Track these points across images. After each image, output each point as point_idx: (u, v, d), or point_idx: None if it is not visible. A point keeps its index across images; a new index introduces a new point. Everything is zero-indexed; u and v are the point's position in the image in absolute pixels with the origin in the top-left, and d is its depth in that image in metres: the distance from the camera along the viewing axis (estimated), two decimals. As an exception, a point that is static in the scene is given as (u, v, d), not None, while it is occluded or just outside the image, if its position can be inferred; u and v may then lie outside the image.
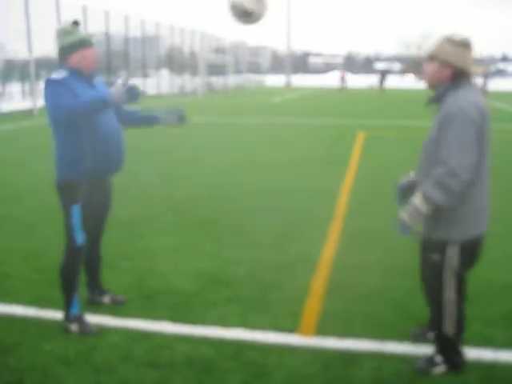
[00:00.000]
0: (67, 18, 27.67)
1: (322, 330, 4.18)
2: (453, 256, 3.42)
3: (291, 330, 4.18)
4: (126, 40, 37.60)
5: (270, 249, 6.04)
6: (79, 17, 29.98)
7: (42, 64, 29.27)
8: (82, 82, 4.01)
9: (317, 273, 5.33)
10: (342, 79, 53.96)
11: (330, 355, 3.83)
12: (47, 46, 26.99)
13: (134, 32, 38.58)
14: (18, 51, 25.34)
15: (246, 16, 4.13)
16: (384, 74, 52.78)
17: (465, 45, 3.36)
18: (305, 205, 7.93)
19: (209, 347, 3.92)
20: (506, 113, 24.85)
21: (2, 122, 20.30)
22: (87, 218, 4.10)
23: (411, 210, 3.37)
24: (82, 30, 4.04)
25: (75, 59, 3.99)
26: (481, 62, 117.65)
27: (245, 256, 5.78)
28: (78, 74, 4.00)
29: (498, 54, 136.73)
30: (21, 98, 27.24)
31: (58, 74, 3.93)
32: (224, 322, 4.28)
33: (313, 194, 8.64)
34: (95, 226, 4.34)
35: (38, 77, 25.46)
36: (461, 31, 3.45)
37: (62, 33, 4.00)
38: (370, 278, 5.22)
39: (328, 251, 5.95)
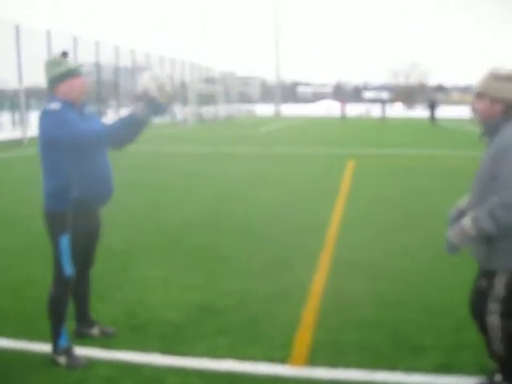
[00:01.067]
0: (58, 48, 27.84)
1: (313, 361, 4.15)
2: (499, 284, 3.42)
3: (282, 360, 4.14)
4: (116, 70, 37.81)
5: (261, 279, 6.01)
6: (70, 47, 30.16)
7: (32, 94, 29.38)
8: (75, 115, 4.02)
9: (308, 303, 5.31)
10: (343, 108, 54.03)
11: (321, 386, 3.80)
12: (37, 76, 27.15)
13: (124, 62, 38.84)
14: (9, 81, 25.42)
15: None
16: (384, 102, 52.98)
17: (511, 78, 3.39)
18: (295, 235, 7.92)
19: (199, 379, 3.88)
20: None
21: (-8, 151, 20.25)
22: (75, 248, 4.07)
23: (459, 231, 3.42)
24: (70, 60, 4.06)
25: (64, 89, 4.00)
26: (468, 89, 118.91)
27: (235, 286, 5.75)
28: (70, 105, 4.01)
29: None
30: (11, 128, 27.29)
31: (55, 106, 3.94)
32: (214, 354, 4.24)
33: (303, 223, 8.63)
34: (84, 256, 4.31)
35: (28, 106, 25.55)
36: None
37: (51, 64, 4.03)
38: (361, 307, 5.19)
39: (319, 281, 5.92)
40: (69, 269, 4.05)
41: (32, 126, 26.54)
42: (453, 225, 3.75)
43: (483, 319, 3.54)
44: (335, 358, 4.18)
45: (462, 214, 3.74)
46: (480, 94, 3.45)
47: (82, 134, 3.91)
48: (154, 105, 3.95)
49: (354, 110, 63.76)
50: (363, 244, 7.32)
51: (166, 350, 4.28)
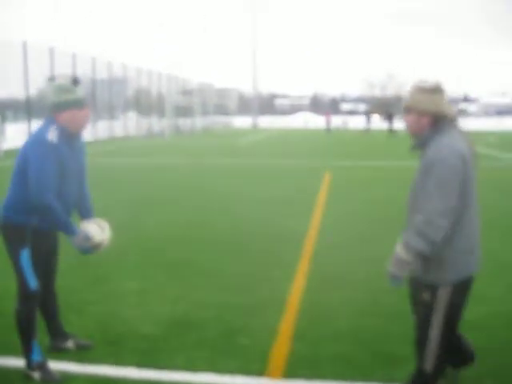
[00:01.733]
0: (33, 60, 27.70)
1: (290, 373, 4.14)
2: (443, 297, 3.43)
3: (260, 373, 4.14)
4: (93, 82, 37.66)
5: (238, 291, 5.99)
6: (46, 59, 30.03)
7: (8, 105, 29.14)
8: (67, 145, 3.99)
9: (284, 315, 5.31)
10: (328, 121, 53.43)
11: (298, 398, 3.79)
12: (13, 88, 26.95)
13: (101, 74, 38.70)
14: (-17, 93, 25.19)
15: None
16: (368, 114, 53.09)
17: (436, 90, 3.42)
18: (272, 247, 7.92)
19: (176, 393, 3.85)
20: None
21: (-34, 164, 20.03)
22: (37, 262, 4.02)
23: (396, 260, 3.38)
24: (79, 90, 4.00)
25: (66, 117, 3.96)
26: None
27: (212, 299, 5.73)
28: (65, 132, 3.97)
29: (459, 94, 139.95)
30: (-14, 140, 26.99)
31: (52, 133, 3.90)
32: (192, 367, 4.22)
33: (280, 236, 8.64)
34: (47, 269, 4.25)
35: (3, 118, 25.30)
36: (428, 76, 3.54)
37: (59, 89, 3.95)
38: (338, 319, 5.20)
39: (295, 293, 5.93)
40: (33, 282, 4.00)
41: (8, 139, 26.34)
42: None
43: (425, 332, 3.52)
44: (312, 369, 4.19)
45: None
46: (407, 108, 3.49)
47: (37, 190, 3.84)
48: (81, 246, 4.02)
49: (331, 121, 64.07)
50: (339, 255, 7.34)
51: (142, 364, 4.25)
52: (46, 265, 4.21)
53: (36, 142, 3.91)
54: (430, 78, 3.52)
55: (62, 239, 4.23)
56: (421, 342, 3.56)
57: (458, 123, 3.51)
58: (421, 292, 3.51)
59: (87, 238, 3.99)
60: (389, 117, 47.43)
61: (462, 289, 3.48)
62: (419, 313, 3.59)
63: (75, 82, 4.00)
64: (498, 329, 5.02)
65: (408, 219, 3.54)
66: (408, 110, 3.48)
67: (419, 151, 3.54)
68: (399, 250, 3.36)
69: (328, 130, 51.77)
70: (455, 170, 3.26)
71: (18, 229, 3.97)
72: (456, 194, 3.26)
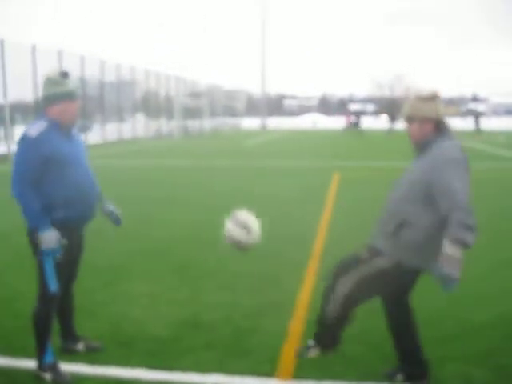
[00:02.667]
0: (43, 62, 27.82)
1: (300, 374, 4.15)
2: (375, 265, 3.74)
3: (269, 374, 4.14)
4: (102, 84, 37.77)
5: (247, 292, 6.00)
6: (54, 61, 30.13)
7: (17, 109, 29.26)
8: (60, 135, 4.02)
9: (294, 316, 5.31)
10: (348, 122, 52.51)
11: (308, 399, 3.80)
12: (22, 91, 27.07)
13: (110, 76, 38.78)
14: (-7, 96, 25.28)
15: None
16: (393, 115, 52.18)
17: (435, 98, 3.68)
18: (281, 248, 7.93)
19: (186, 394, 3.86)
20: (478, 151, 25.27)
21: (-24, 167, 20.14)
22: (59, 265, 4.05)
23: (452, 261, 3.35)
24: (69, 82, 4.02)
25: (56, 110, 4.00)
26: (451, 102, 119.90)
27: (221, 300, 5.74)
28: (57, 126, 4.01)
29: (468, 94, 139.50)
30: (-4, 143, 27.13)
31: (36, 128, 3.94)
32: (201, 368, 4.23)
33: (289, 236, 8.65)
34: (68, 273, 4.29)
35: (12, 121, 25.43)
36: (424, 85, 3.79)
37: (49, 82, 4.00)
38: (348, 319, 5.19)
39: (305, 294, 5.93)
40: (53, 285, 4.03)
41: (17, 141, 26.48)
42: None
43: (337, 279, 3.82)
44: (322, 371, 4.19)
45: None
46: (409, 118, 3.73)
47: (13, 180, 3.92)
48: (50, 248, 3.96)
49: (339, 122, 63.89)
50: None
51: (152, 365, 4.26)
52: (68, 265, 4.23)
53: (19, 140, 3.98)
54: (424, 87, 3.79)
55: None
56: (330, 294, 3.90)
57: (450, 128, 3.75)
58: (363, 251, 3.87)
59: (53, 238, 3.95)
60: (392, 117, 47.35)
61: (401, 274, 3.72)
62: (345, 263, 3.94)
63: (64, 74, 4.03)
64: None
65: (390, 215, 3.74)
66: (410, 119, 3.72)
67: (417, 152, 3.79)
68: (451, 250, 3.34)
69: (346, 131, 51.05)
70: (465, 167, 3.52)
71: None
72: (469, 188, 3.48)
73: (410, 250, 3.63)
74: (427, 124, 3.67)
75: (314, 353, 4.03)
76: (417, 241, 3.60)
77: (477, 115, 46.80)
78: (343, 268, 3.89)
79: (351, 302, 3.81)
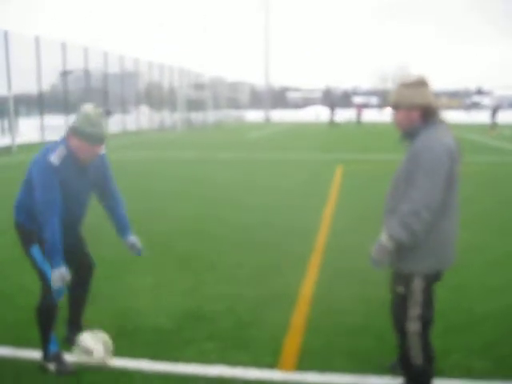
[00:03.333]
0: (46, 55, 27.82)
1: (302, 366, 4.17)
2: (416, 289, 3.49)
3: (272, 365, 4.16)
4: (105, 76, 37.76)
5: (250, 284, 6.02)
6: (58, 53, 30.13)
7: (21, 101, 29.30)
8: (75, 166, 4.02)
9: (297, 308, 5.33)
10: (359, 114, 52.16)
11: (310, 391, 3.82)
12: (26, 83, 27.09)
13: (113, 68, 38.77)
14: (-3, 88, 25.32)
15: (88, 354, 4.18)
16: (360, 107, 52.48)
17: (421, 84, 3.48)
18: (283, 240, 7.94)
19: (189, 385, 3.89)
20: (481, 144, 25.22)
21: (-20, 158, 20.18)
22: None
23: (378, 246, 3.47)
24: (103, 126, 3.98)
25: (77, 145, 3.96)
26: (456, 95, 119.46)
27: (224, 292, 5.76)
28: (74, 157, 4.00)
29: (472, 87, 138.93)
30: (-1, 135, 27.20)
31: (58, 155, 3.93)
32: (204, 359, 4.25)
33: (292, 229, 8.66)
34: (75, 265, 4.31)
35: (16, 113, 25.46)
36: (415, 71, 3.60)
37: (85, 118, 3.94)
38: (351, 312, 5.22)
39: (308, 286, 5.95)
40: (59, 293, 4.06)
41: (21, 133, 26.51)
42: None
43: (403, 326, 3.57)
44: (325, 362, 4.20)
45: None
46: (396, 106, 3.54)
47: (45, 206, 3.88)
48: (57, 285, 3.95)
49: (343, 115, 63.73)
50: (352, 249, 7.35)
51: (155, 356, 4.29)
52: (71, 258, 4.21)
53: (40, 162, 3.94)
54: (412, 72, 3.59)
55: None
56: (403, 338, 3.61)
57: (443, 117, 3.55)
58: (396, 284, 3.61)
59: (63, 277, 3.92)
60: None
61: (434, 280, 3.56)
62: (396, 306, 3.67)
63: (108, 112, 4.01)
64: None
65: (386, 213, 3.60)
66: (396, 107, 3.53)
67: (407, 143, 3.59)
68: (383, 238, 3.43)
69: (358, 123, 50.91)
70: (441, 162, 3.30)
71: (28, 231, 4.08)
72: (441, 187, 3.30)
73: (421, 258, 3.46)
74: (414, 111, 3.45)
75: None
76: (423, 247, 3.44)
77: (495, 108, 45.97)
78: (398, 314, 3.64)
79: (426, 335, 3.58)
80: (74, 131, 3.96)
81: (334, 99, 50.93)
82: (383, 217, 3.68)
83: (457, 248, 3.60)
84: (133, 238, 4.46)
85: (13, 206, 4.17)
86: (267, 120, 65.72)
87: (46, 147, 4.02)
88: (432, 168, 3.28)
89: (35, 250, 4.04)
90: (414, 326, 3.52)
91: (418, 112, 3.46)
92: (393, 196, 3.55)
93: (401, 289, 3.55)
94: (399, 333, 3.66)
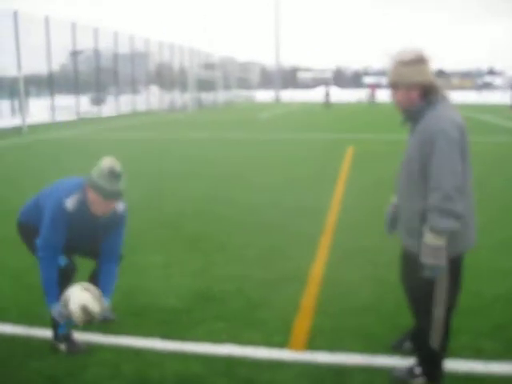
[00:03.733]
0: (56, 35, 27.76)
1: (312, 345, 4.18)
2: (444, 273, 3.36)
3: (281, 345, 4.18)
4: (115, 56, 37.68)
5: (259, 265, 6.03)
6: (68, 33, 30.06)
7: (32, 81, 29.31)
8: (88, 216, 4.03)
9: (306, 288, 5.33)
10: (372, 94, 51.58)
11: (320, 370, 3.84)
12: (36, 63, 27.08)
13: (123, 48, 38.69)
14: (7, 68, 25.35)
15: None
16: (373, 86, 51.74)
17: (419, 60, 3.30)
18: (293, 221, 7.94)
19: (199, 364, 3.91)
20: (493, 125, 25.04)
21: (-9, 139, 20.26)
22: (70, 243, 4.10)
23: (430, 250, 3.21)
24: (120, 182, 3.96)
25: (92, 197, 3.95)
26: (468, 75, 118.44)
27: (233, 272, 5.78)
28: (88, 207, 4.01)
29: (484, 67, 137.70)
30: (10, 115, 27.27)
31: (74, 201, 3.96)
32: (214, 339, 4.27)
33: (302, 210, 8.65)
34: (82, 249, 4.33)
35: (27, 94, 25.49)
36: (414, 45, 3.40)
37: (102, 174, 3.90)
38: (360, 293, 5.22)
39: (317, 267, 5.95)
40: (61, 260, 4.08)
41: (31, 114, 26.55)
42: (389, 225, 3.76)
43: (429, 309, 3.45)
44: (334, 343, 4.21)
45: (395, 208, 3.69)
46: (394, 85, 3.35)
47: (40, 241, 4.00)
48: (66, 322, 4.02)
49: (353, 95, 63.39)
50: (362, 229, 7.34)
51: (165, 335, 4.31)
52: (78, 244, 4.25)
53: (56, 202, 3.97)
54: (409, 47, 3.36)
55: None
56: (425, 321, 3.51)
57: (446, 94, 3.39)
58: (421, 270, 3.35)
59: (64, 312, 3.96)
60: None
61: (460, 263, 3.46)
62: (420, 291, 3.50)
63: (113, 175, 3.91)
64: None
65: (402, 199, 3.48)
66: (395, 86, 3.36)
67: (410, 124, 3.45)
68: (429, 238, 3.20)
69: (371, 104, 50.32)
70: (456, 142, 3.18)
71: (32, 226, 4.15)
72: (460, 166, 3.18)
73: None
74: (413, 90, 3.28)
75: (420, 381, 3.62)
76: None
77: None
78: (422, 295, 3.50)
79: (446, 324, 3.50)
80: (89, 183, 3.95)
81: (327, 80, 50.96)
82: (396, 199, 3.60)
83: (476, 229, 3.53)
84: (107, 305, 4.24)
85: (19, 211, 4.34)
86: (277, 100, 65.47)
87: (68, 187, 4.04)
88: (450, 150, 3.15)
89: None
90: (439, 312, 3.42)
91: (417, 91, 3.30)
92: (406, 183, 3.41)
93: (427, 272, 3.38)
94: (422, 315, 3.54)
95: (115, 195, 3.97)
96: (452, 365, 3.83)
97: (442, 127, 3.18)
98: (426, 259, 3.23)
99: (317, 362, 3.95)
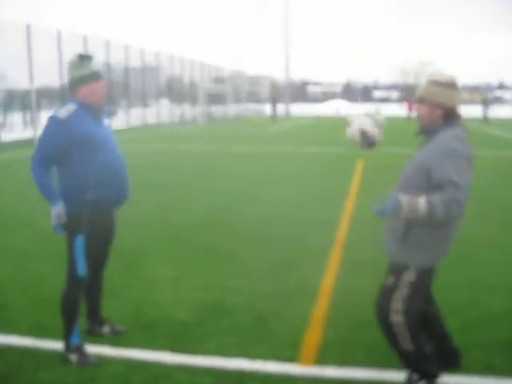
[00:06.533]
0: (68, 48, 27.98)
1: (322, 359, 4.17)
2: (407, 282, 3.55)
3: (291, 359, 4.16)
4: (126, 70, 37.89)
5: (269, 278, 6.03)
6: (80, 47, 30.29)
7: (43, 93, 29.50)
8: (90, 118, 4.06)
9: (316, 302, 5.32)
10: (409, 109, 50.20)
11: (330, 385, 3.82)
12: (48, 76, 27.27)
13: (134, 62, 38.89)
14: (19, 81, 25.53)
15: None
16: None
17: (451, 85, 3.51)
18: (304, 234, 7.93)
19: (208, 377, 3.91)
20: (504, 140, 24.96)
21: (3, 151, 20.40)
22: (90, 249, 4.11)
23: (412, 203, 3.34)
24: (93, 63, 4.08)
25: (84, 92, 4.04)
26: (478, 89, 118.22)
27: (244, 285, 5.77)
28: (86, 108, 4.05)
29: (494, 81, 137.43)
30: (22, 128, 27.42)
31: (66, 111, 3.99)
32: (223, 352, 4.27)
33: (312, 223, 8.64)
34: (98, 257, 4.35)
35: (38, 106, 25.64)
36: (446, 70, 3.64)
37: (73, 65, 4.05)
38: (370, 306, 5.16)
39: (327, 280, 5.94)
40: (82, 269, 4.09)
41: (43, 126, 26.72)
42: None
43: (387, 318, 3.62)
44: (344, 357, 4.20)
45: None
46: (421, 99, 3.58)
47: (32, 156, 4.08)
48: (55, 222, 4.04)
49: (363, 109, 63.32)
50: (372, 242, 7.31)
51: (175, 348, 4.31)
52: (99, 250, 4.30)
53: (48, 119, 4.05)
54: (445, 71, 3.63)
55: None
56: (387, 328, 3.66)
57: (463, 122, 3.59)
58: (386, 277, 3.65)
59: (60, 216, 4.02)
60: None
61: (428, 273, 3.61)
62: (380, 297, 3.71)
63: (88, 56, 4.07)
64: None
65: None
66: (422, 101, 3.58)
67: (423, 139, 3.66)
68: (421, 201, 3.31)
69: (408, 119, 49.42)
70: (466, 159, 3.38)
71: (73, 216, 4.05)
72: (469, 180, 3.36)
73: (423, 251, 3.52)
74: (437, 110, 3.51)
75: None
76: (428, 240, 3.50)
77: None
78: (382, 306, 3.68)
79: (413, 325, 3.61)
80: (75, 82, 4.04)
81: (275, 94, 52.15)
82: (391, 224, 3.71)
83: (456, 236, 3.68)
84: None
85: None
86: (287, 114, 65.54)
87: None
88: (461, 164, 3.33)
89: (79, 241, 4.05)
90: (397, 318, 3.58)
91: (440, 111, 3.51)
92: (404, 190, 3.53)
93: (391, 280, 3.61)
94: (382, 324, 3.70)
95: (101, 72, 4.12)
96: (464, 380, 3.81)
97: (454, 147, 3.38)
98: (402, 202, 3.35)
99: (326, 376, 3.93)
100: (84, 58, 4.05)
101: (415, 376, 3.69)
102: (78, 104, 4.03)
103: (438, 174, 3.34)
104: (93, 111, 4.09)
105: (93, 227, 4.08)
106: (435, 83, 3.52)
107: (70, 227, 4.07)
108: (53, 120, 4.00)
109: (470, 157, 3.42)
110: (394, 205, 3.39)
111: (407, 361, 3.71)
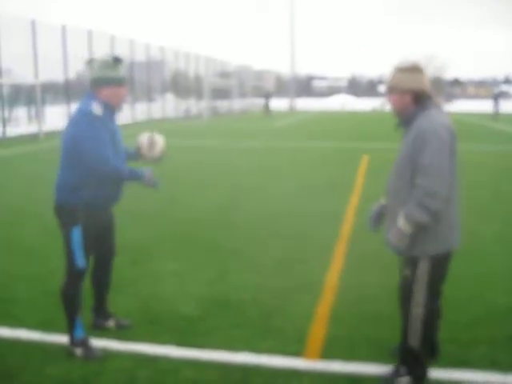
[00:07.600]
0: (73, 42, 28.00)
1: (327, 354, 4.17)
2: (423, 271, 3.56)
3: (297, 354, 4.17)
4: (131, 64, 37.88)
5: (275, 273, 6.03)
6: (85, 41, 30.29)
7: (48, 88, 29.53)
8: (109, 117, 4.09)
9: (321, 297, 5.33)
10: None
11: (335, 379, 3.83)
12: (53, 71, 27.30)
13: (139, 56, 38.87)
14: (25, 76, 25.57)
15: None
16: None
17: (416, 69, 3.57)
18: (309, 229, 7.93)
19: (214, 371, 3.92)
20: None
21: (8, 146, 20.44)
22: (89, 241, 4.11)
23: (396, 231, 3.51)
24: (122, 68, 4.09)
25: (107, 93, 4.04)
26: (484, 84, 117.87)
27: (249, 281, 5.78)
28: (108, 108, 4.06)
29: (500, 76, 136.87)
30: (27, 123, 27.49)
31: (98, 107, 3.98)
32: (229, 347, 4.27)
33: (317, 218, 8.64)
34: (102, 249, 4.36)
35: (43, 101, 25.68)
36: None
37: (105, 65, 4.04)
38: (376, 301, 5.20)
39: (332, 275, 5.94)
40: (81, 261, 4.09)
41: (48, 121, 26.74)
42: (373, 222, 4.09)
43: (407, 310, 3.66)
44: (349, 352, 4.20)
45: (382, 207, 4.00)
46: (390, 88, 3.65)
47: (99, 160, 3.96)
48: (153, 182, 4.21)
49: (368, 103, 63.31)
50: (378, 237, 7.30)
51: (181, 343, 4.32)
52: (100, 242, 4.32)
53: (83, 116, 3.97)
54: (409, 58, 3.65)
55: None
56: (405, 320, 3.70)
57: (439, 103, 3.64)
58: (403, 268, 3.69)
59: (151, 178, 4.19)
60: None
61: (441, 263, 3.62)
62: (401, 289, 3.74)
63: (118, 60, 4.08)
64: None
65: (392, 199, 3.70)
66: (391, 90, 3.65)
67: (404, 129, 3.70)
68: (400, 222, 3.46)
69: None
70: (446, 143, 3.41)
71: (70, 209, 4.06)
72: (448, 165, 3.40)
73: (425, 240, 3.52)
74: (407, 95, 3.57)
75: (405, 382, 3.72)
76: (431, 228, 3.49)
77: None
78: (404, 297, 3.70)
79: (428, 321, 3.64)
80: (101, 82, 4.04)
81: (267, 90, 52.48)
82: (387, 199, 3.79)
83: (461, 232, 3.70)
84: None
85: (54, 187, 4.16)
86: (292, 108, 65.44)
87: (81, 105, 4.05)
88: (440, 149, 3.36)
89: (76, 232, 4.05)
90: (417, 311, 3.60)
91: (410, 96, 3.57)
92: (397, 180, 3.61)
93: (407, 271, 3.63)
94: (404, 314, 3.73)
95: (126, 78, 4.17)
96: (469, 376, 3.81)
97: (434, 128, 3.42)
98: (392, 238, 3.54)
99: (331, 370, 3.94)
100: (117, 62, 4.06)
101: (403, 369, 3.73)
102: (102, 104, 4.03)
103: (418, 162, 3.41)
104: (112, 111, 4.11)
105: (88, 220, 4.08)
106: (400, 70, 3.59)
107: (66, 220, 4.08)
108: (91, 117, 3.94)
109: (448, 136, 3.43)
110: (393, 249, 3.58)
111: (406, 355, 3.73)
